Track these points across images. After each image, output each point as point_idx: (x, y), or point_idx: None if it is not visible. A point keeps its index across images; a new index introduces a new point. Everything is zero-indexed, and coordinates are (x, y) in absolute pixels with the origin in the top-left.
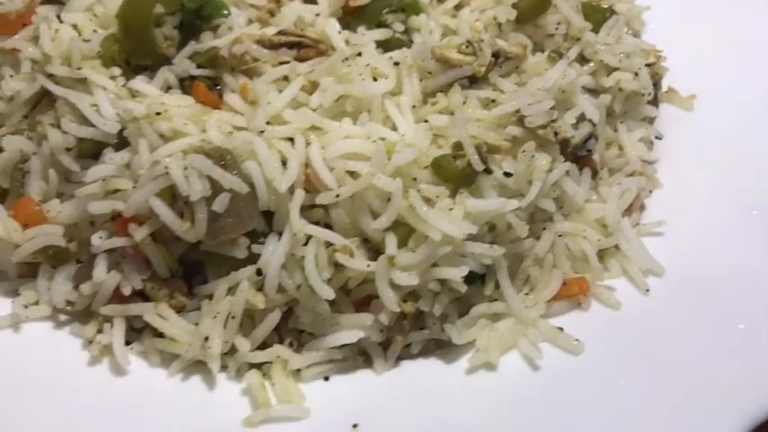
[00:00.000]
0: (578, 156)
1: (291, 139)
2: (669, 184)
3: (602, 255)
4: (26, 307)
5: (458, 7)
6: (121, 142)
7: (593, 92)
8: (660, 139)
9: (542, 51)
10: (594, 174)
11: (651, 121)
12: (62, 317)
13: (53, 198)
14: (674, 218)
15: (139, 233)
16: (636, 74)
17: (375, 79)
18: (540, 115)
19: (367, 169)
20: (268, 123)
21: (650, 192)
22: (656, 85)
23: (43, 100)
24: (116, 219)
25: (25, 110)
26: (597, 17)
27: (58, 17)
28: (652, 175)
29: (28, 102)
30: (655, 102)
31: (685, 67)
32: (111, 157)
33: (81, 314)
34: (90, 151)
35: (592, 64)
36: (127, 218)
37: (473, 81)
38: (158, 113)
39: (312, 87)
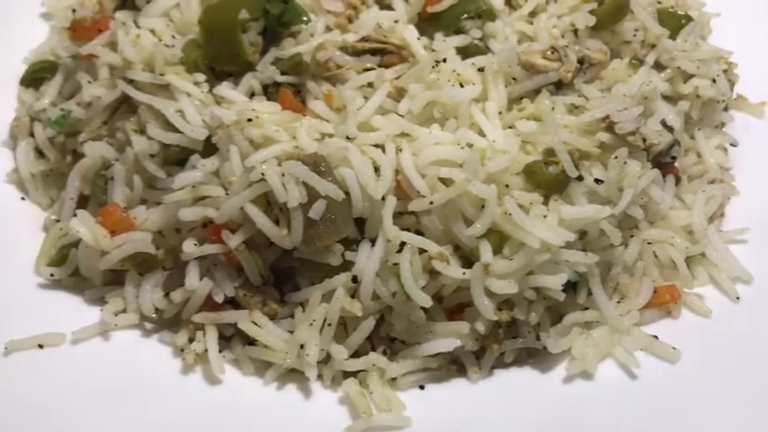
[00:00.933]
0: (662, 162)
1: (381, 146)
2: (746, 192)
3: (688, 262)
4: (116, 315)
5: (532, 14)
6: (207, 148)
7: (669, 99)
8: (735, 146)
9: (618, 58)
10: (677, 181)
11: (721, 126)
12: (148, 325)
13: (137, 205)
14: (754, 225)
15: (234, 240)
16: (714, 80)
17: (461, 85)
18: (630, 122)
19: (461, 176)
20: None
21: (728, 199)
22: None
23: (122, 106)
24: (207, 226)
25: (104, 116)
26: (673, 23)
27: (135, 23)
28: (730, 182)
29: (107, 108)
30: (726, 108)
31: (754, 74)
32: (202, 164)
33: (167, 322)
34: (175, 158)
35: (668, 71)
36: (219, 225)
37: (558, 87)
38: (249, 120)
39: (397, 94)
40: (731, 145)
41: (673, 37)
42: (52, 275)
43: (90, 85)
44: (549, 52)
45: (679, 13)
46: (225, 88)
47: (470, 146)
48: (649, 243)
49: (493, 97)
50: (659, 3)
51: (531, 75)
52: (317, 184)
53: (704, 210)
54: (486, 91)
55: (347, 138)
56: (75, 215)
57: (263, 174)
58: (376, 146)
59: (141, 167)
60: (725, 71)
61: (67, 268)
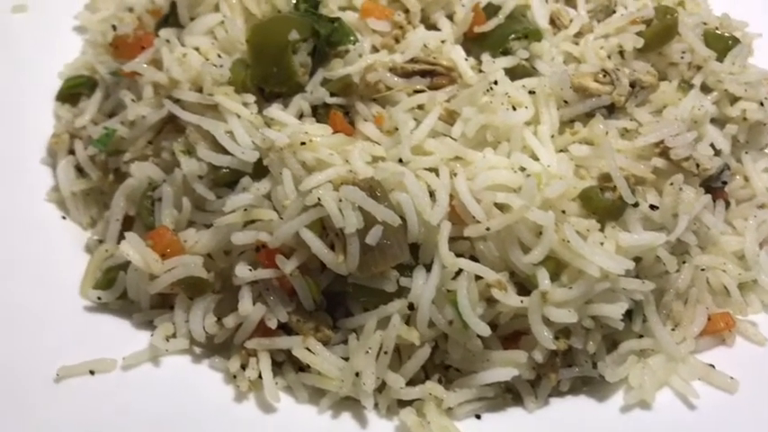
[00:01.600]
0: (712, 187)
1: (435, 170)
2: None
3: (740, 289)
4: (166, 340)
5: (578, 35)
6: (258, 170)
7: (716, 121)
8: None
9: (665, 79)
10: (727, 205)
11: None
12: (197, 349)
13: (185, 227)
14: None
15: (288, 265)
16: (761, 103)
17: (514, 108)
18: (685, 147)
19: (517, 201)
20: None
21: None
22: None
23: (168, 126)
24: (259, 249)
25: (149, 135)
26: (720, 45)
27: (179, 40)
28: None
29: (152, 127)
30: None
31: None
32: (257, 187)
33: (217, 347)
34: (225, 180)
35: (715, 93)
36: (272, 249)
37: (610, 111)
38: (302, 143)
39: (448, 117)
40: None
41: (720, 59)
42: (99, 299)
43: (134, 103)
44: (600, 75)
45: (725, 34)
46: (275, 110)
47: (523, 169)
48: (702, 270)
49: (545, 120)
50: (705, 24)
51: (584, 98)
52: (373, 209)
53: (756, 236)
54: (538, 114)
55: (400, 161)
56: (122, 237)
57: (319, 198)
58: (430, 170)
59: (190, 189)
60: None
61: (115, 291)
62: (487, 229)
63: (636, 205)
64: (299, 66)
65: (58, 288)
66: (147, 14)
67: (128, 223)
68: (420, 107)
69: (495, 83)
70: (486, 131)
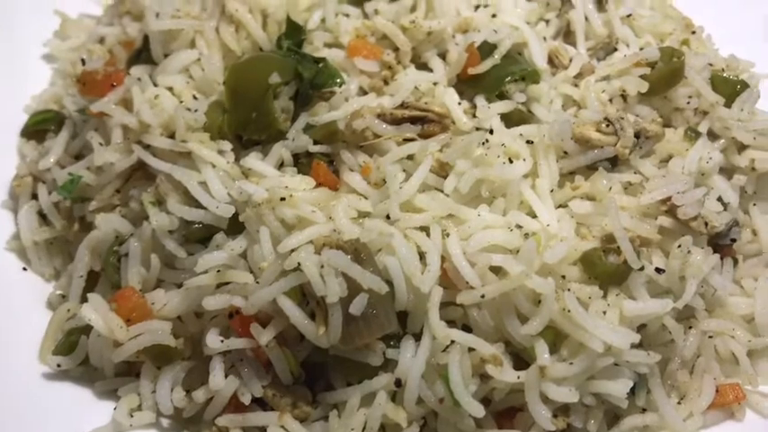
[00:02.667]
0: (720, 245)
1: (426, 229)
2: None
3: (750, 356)
4: (130, 414)
5: (578, 76)
6: (233, 226)
7: (723, 169)
8: None
9: (669, 125)
10: (735, 262)
11: None
12: (165, 421)
13: (154, 286)
14: None
15: (264, 336)
16: None
17: (510, 161)
18: (693, 205)
19: (515, 266)
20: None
21: None
22: None
23: (137, 173)
24: (232, 315)
25: (118, 183)
26: (728, 90)
27: (151, 78)
28: None
29: (121, 175)
30: None
31: None
32: (229, 246)
33: (186, 422)
34: (197, 236)
35: (722, 140)
36: (247, 316)
37: (613, 163)
38: (282, 199)
39: (440, 168)
40: None
41: (728, 104)
42: (59, 366)
43: (102, 148)
44: (603, 125)
45: (733, 78)
46: (253, 159)
47: (519, 227)
48: (710, 336)
49: (544, 173)
50: (711, 65)
51: (585, 149)
52: (358, 276)
53: (767, 298)
54: (536, 166)
55: (387, 217)
56: (85, 297)
57: (299, 263)
58: (420, 228)
59: (159, 245)
60: None
61: (76, 357)
62: (482, 296)
63: (641, 269)
64: (281, 111)
65: (16, 352)
66: (118, 46)
67: (93, 278)
68: (410, 157)
69: (491, 131)
70: (481, 186)
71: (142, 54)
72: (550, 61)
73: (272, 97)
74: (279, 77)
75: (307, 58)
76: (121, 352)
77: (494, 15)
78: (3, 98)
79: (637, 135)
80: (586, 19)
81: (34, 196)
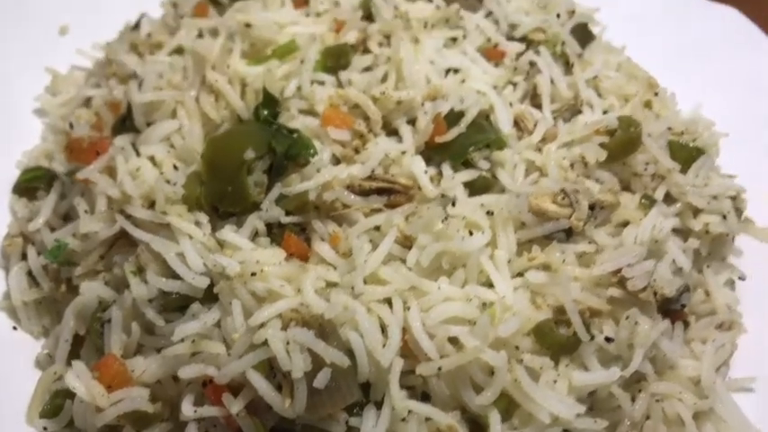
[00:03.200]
0: (671, 309)
1: (389, 300)
2: (753, 330)
3: (696, 417)
4: None
5: (543, 141)
6: (209, 295)
7: (679, 231)
8: (743, 279)
9: (628, 188)
10: (686, 326)
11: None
12: None
13: (134, 352)
14: (763, 369)
15: (235, 406)
16: (724, 216)
17: (471, 233)
18: (642, 277)
19: (471, 341)
20: (364, 281)
21: (737, 345)
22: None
23: (120, 240)
24: (206, 384)
25: (101, 250)
26: (685, 155)
27: (133, 145)
28: (738, 320)
29: (104, 242)
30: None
31: (760, 195)
32: (203, 319)
33: None
34: (174, 305)
35: (679, 204)
36: (219, 385)
37: (569, 233)
38: (253, 274)
39: (404, 239)
40: (740, 278)
41: (684, 170)
42: (45, 429)
43: (87, 216)
44: (559, 197)
45: (690, 144)
46: (228, 232)
47: (479, 299)
48: (658, 400)
49: (502, 244)
50: (670, 129)
51: (542, 221)
52: (322, 351)
53: (713, 361)
54: (495, 237)
55: (352, 288)
56: (71, 359)
57: (266, 339)
58: (384, 300)
59: (139, 313)
60: (734, 198)
61: (62, 420)
62: (439, 368)
63: (591, 338)
64: (254, 185)
65: (3, 412)
66: (105, 108)
67: (80, 339)
68: (377, 228)
69: (453, 204)
70: (443, 258)
71: (126, 121)
72: (516, 124)
73: (245, 173)
74: (253, 153)
75: (281, 130)
76: (103, 417)
77: (463, 81)
78: None
79: (592, 207)
80: (552, 82)
81: (25, 255)
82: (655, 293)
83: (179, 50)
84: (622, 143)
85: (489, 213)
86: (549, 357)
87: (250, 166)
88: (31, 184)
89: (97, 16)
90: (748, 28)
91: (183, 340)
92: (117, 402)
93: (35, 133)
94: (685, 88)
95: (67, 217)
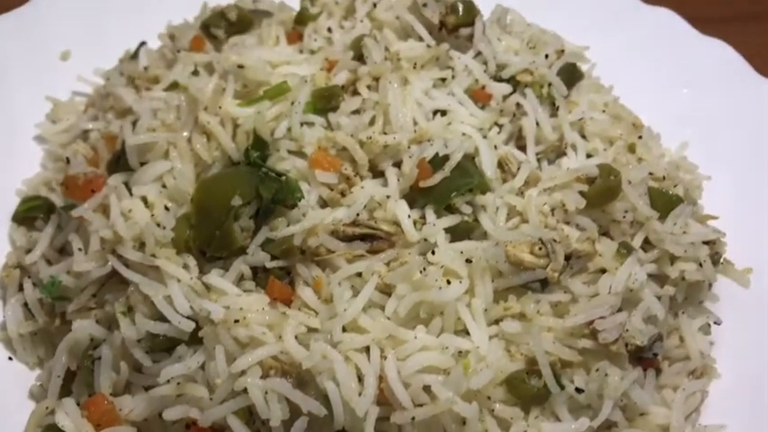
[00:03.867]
0: (643, 357)
1: (367, 348)
2: (727, 375)
3: None
4: None
5: (525, 184)
6: (194, 336)
7: (656, 277)
8: (719, 324)
9: (607, 234)
10: (658, 372)
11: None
12: None
13: (123, 387)
14: (734, 415)
15: None
16: (700, 264)
17: (448, 282)
18: (613, 329)
19: (444, 392)
20: (344, 329)
21: (707, 392)
22: (715, 264)
23: (112, 279)
24: (190, 425)
25: (94, 289)
26: (664, 203)
27: (127, 184)
28: (711, 365)
29: (97, 281)
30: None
31: (741, 237)
32: (188, 363)
33: None
34: (162, 346)
35: (656, 251)
36: (202, 427)
37: (544, 283)
38: (236, 321)
39: (385, 286)
40: (715, 323)
41: (663, 217)
42: None
43: (80, 254)
44: (537, 247)
45: (670, 192)
46: (214, 276)
47: (452, 346)
48: None
49: (479, 293)
50: (651, 174)
51: (519, 270)
52: (299, 401)
53: (683, 409)
54: (473, 285)
55: (332, 336)
56: (63, 393)
57: (246, 388)
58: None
59: (128, 352)
60: (712, 243)
61: None
62: (413, 417)
63: (562, 388)
64: (241, 231)
65: None
66: (101, 141)
67: (72, 373)
68: (359, 274)
69: (433, 252)
70: (420, 307)
71: (121, 159)
72: (500, 166)
73: (232, 219)
74: (240, 200)
75: (269, 174)
76: None
77: (449, 123)
78: None
79: (568, 257)
80: (537, 124)
81: (22, 287)
82: (626, 345)
83: (175, 85)
84: (602, 192)
85: (468, 261)
86: (520, 407)
87: (237, 213)
88: (30, 213)
89: (99, 42)
90: (738, 63)
91: (168, 381)
92: None
93: (36, 160)
94: (674, 126)
95: (64, 250)
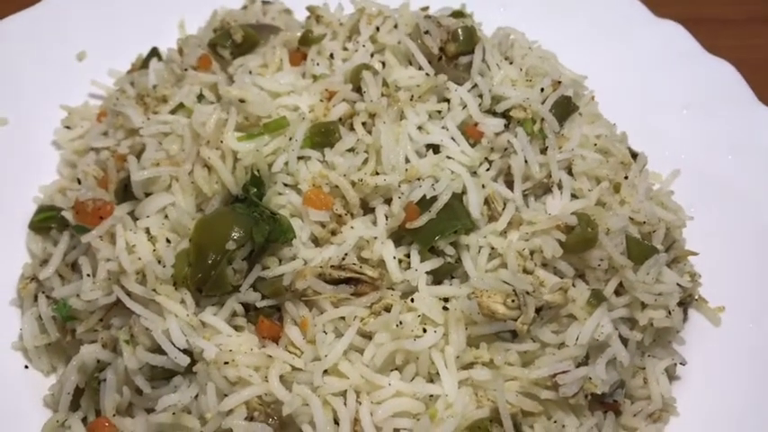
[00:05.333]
0: (603, 401)
1: (344, 392)
2: (685, 413)
3: None
4: None
5: (510, 224)
6: (190, 367)
7: (628, 319)
8: (684, 365)
9: (583, 276)
10: (618, 414)
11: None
12: None
13: (126, 409)
14: None
15: None
16: (669, 313)
17: (425, 330)
18: (574, 384)
19: None
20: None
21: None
22: (687, 304)
23: (118, 305)
24: None
25: (101, 314)
26: (639, 252)
27: (132, 216)
28: (672, 405)
29: (103, 307)
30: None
31: (715, 275)
32: (183, 394)
33: None
34: (161, 375)
35: (629, 296)
36: None
37: (515, 333)
38: (226, 362)
39: (365, 332)
40: (681, 364)
41: (637, 267)
42: None
43: (89, 279)
44: (509, 299)
45: (646, 243)
46: (208, 315)
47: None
48: None
49: (453, 341)
50: (632, 219)
51: (491, 321)
52: None
53: None
54: (447, 332)
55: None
56: (73, 404)
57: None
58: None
59: (130, 378)
60: (691, 275)
61: None
62: None
63: None
64: (234, 273)
65: None
66: (111, 160)
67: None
68: (342, 318)
69: (412, 300)
70: (396, 355)
71: (128, 187)
72: (487, 203)
73: (226, 263)
74: (234, 245)
75: (264, 213)
76: None
77: (440, 162)
78: (14, 186)
79: (539, 309)
80: (526, 162)
81: (37, 297)
82: (586, 396)
83: (181, 105)
84: (579, 242)
85: (445, 309)
86: None
87: (231, 257)
88: (45, 224)
89: (112, 42)
90: (739, 86)
91: (165, 410)
92: None
93: (53, 165)
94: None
95: (76, 265)
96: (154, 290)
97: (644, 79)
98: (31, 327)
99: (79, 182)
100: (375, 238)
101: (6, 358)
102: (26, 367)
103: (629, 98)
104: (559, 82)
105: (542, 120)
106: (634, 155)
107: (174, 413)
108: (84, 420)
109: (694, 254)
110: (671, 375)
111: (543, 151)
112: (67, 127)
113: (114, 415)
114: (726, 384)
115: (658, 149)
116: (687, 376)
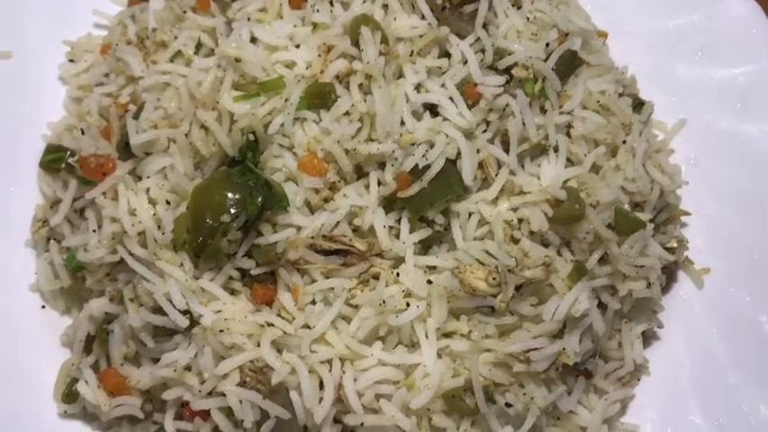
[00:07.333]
0: (574, 368)
1: (330, 361)
2: (657, 373)
3: None
4: None
5: (502, 191)
6: (191, 326)
7: (610, 287)
8: (661, 328)
9: (569, 245)
10: (588, 378)
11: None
12: None
13: (133, 359)
14: (652, 414)
15: (204, 429)
16: (649, 285)
17: (408, 304)
18: (544, 360)
19: (389, 407)
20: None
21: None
22: (671, 270)
23: (123, 262)
24: (184, 405)
25: (107, 269)
26: (626, 225)
27: (134, 174)
28: (645, 366)
29: (109, 264)
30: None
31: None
32: (183, 353)
33: None
34: (163, 332)
35: (611, 266)
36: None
37: (493, 308)
38: (221, 330)
39: (352, 296)
40: (658, 327)
41: (624, 237)
42: (65, 412)
43: (94, 235)
44: (491, 277)
45: (634, 216)
46: (206, 281)
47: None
48: None
49: (434, 314)
50: (623, 189)
51: (472, 296)
52: (268, 408)
53: (602, 414)
54: (430, 305)
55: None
56: (86, 351)
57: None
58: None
59: (135, 334)
60: (678, 241)
61: (78, 406)
62: (362, 423)
63: (493, 403)
64: (228, 243)
65: (40, 390)
66: (113, 108)
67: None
68: (332, 288)
69: (398, 274)
70: (380, 327)
71: (128, 144)
72: (481, 167)
73: (221, 235)
74: (228, 218)
75: (259, 183)
76: (107, 415)
77: (435, 125)
78: (23, 126)
79: (519, 287)
80: (524, 124)
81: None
82: (557, 369)
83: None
84: (566, 217)
85: (429, 282)
86: (456, 423)
87: (226, 228)
88: (53, 165)
89: None
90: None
91: (168, 365)
92: (116, 407)
93: (59, 100)
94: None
95: (84, 212)
96: (155, 254)
97: (662, 17)
98: (45, 271)
99: (82, 132)
100: (367, 207)
101: (25, 298)
102: (43, 307)
103: (646, 37)
104: (566, 34)
105: (544, 78)
106: (641, 103)
107: (175, 369)
108: (96, 364)
109: (687, 214)
110: (648, 337)
111: (543, 111)
112: (72, 60)
113: (122, 364)
114: (700, 346)
115: (666, 96)
116: (666, 337)
